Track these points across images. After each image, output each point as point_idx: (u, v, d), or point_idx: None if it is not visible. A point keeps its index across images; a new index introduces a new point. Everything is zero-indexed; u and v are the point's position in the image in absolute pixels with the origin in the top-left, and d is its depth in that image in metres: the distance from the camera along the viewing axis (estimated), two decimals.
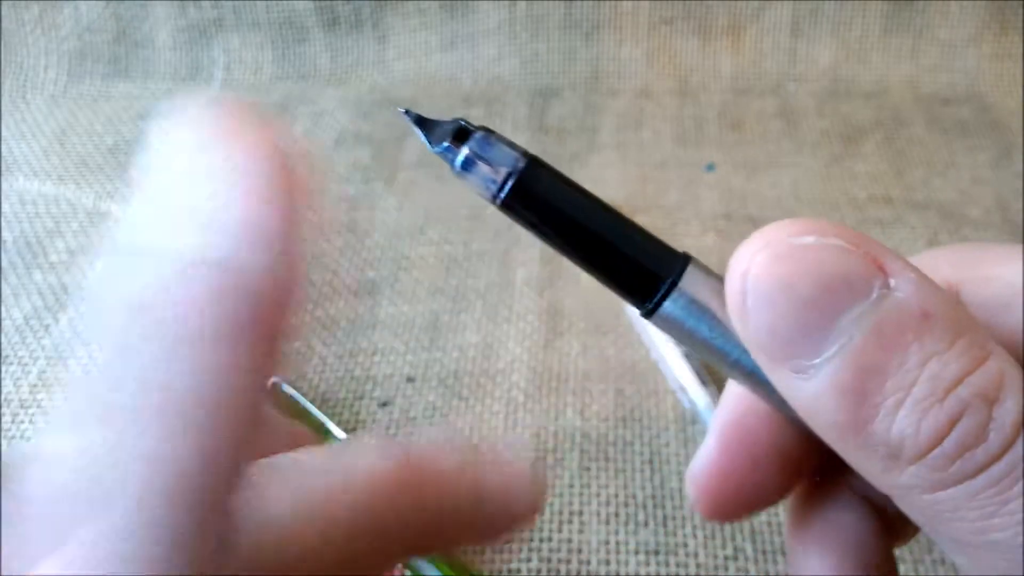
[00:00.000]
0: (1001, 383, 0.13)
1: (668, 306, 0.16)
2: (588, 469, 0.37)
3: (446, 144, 0.16)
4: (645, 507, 0.35)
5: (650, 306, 0.16)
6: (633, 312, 0.42)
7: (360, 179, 0.54)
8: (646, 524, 0.35)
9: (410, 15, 0.64)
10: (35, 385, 0.41)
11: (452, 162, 0.16)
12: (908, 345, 0.13)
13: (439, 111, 0.65)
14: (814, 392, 0.14)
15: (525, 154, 0.16)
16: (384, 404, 0.40)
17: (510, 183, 0.16)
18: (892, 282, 0.13)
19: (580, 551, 0.34)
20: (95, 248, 0.50)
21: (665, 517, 0.35)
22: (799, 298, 0.13)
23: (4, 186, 0.54)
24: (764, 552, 0.34)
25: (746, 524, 0.35)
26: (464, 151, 0.16)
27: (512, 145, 0.16)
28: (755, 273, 0.14)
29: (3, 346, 0.43)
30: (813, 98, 0.60)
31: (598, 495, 0.36)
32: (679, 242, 0.18)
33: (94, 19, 0.64)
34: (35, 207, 0.53)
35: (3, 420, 0.39)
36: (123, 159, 0.57)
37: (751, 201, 0.52)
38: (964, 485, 0.13)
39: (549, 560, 0.34)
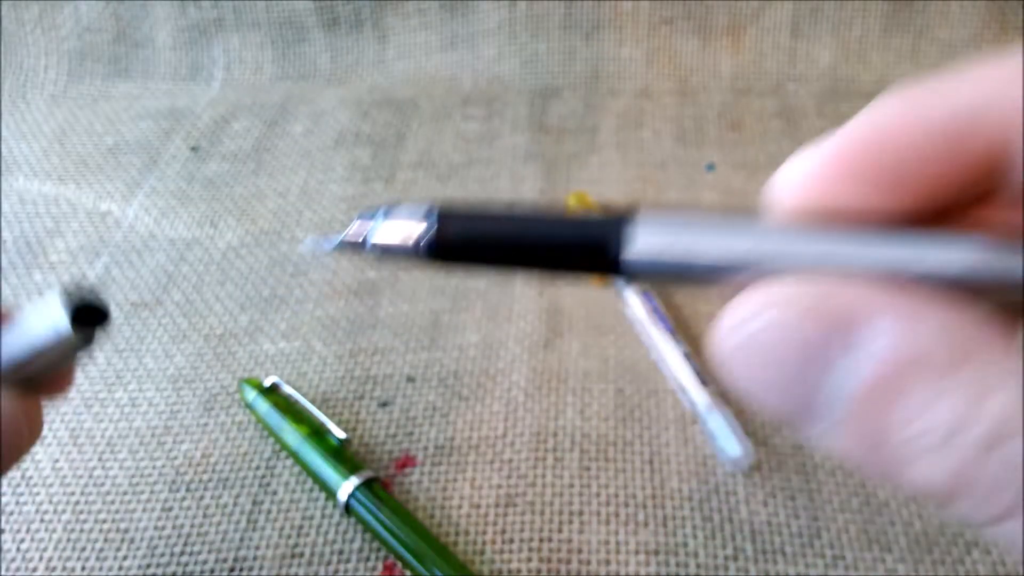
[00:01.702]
0: (1008, 418, 0.12)
1: (632, 271, 0.15)
2: (588, 469, 0.37)
3: (349, 234, 0.17)
4: (645, 507, 0.35)
5: (621, 270, 0.15)
6: (633, 312, 0.42)
7: (360, 179, 0.54)
8: (646, 524, 0.35)
9: (410, 15, 0.64)
10: None
11: (365, 242, 0.16)
12: (901, 395, 0.13)
13: (439, 111, 0.65)
14: (840, 452, 0.14)
15: (431, 207, 0.16)
16: (384, 404, 0.40)
17: (431, 232, 0.16)
18: (870, 331, 0.13)
19: (580, 551, 0.34)
20: (95, 248, 0.50)
21: (665, 517, 0.35)
22: (774, 381, 0.14)
23: (4, 186, 0.54)
24: (764, 552, 0.34)
25: (746, 524, 0.35)
26: (374, 223, 0.16)
27: (414, 203, 0.16)
28: (729, 364, 0.14)
29: None
30: (813, 98, 0.60)
31: (598, 495, 0.36)
32: None
33: (94, 19, 0.64)
34: (35, 207, 0.53)
35: None
36: (123, 159, 0.57)
37: (751, 201, 0.52)
38: (1005, 524, 0.12)
39: (549, 560, 0.34)
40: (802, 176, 0.16)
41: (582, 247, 0.16)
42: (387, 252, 0.16)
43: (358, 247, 0.17)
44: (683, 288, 0.16)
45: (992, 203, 0.16)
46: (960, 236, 0.14)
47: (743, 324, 0.14)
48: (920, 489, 0.13)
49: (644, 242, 0.15)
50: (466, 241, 0.16)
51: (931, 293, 0.13)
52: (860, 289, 0.13)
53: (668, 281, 0.16)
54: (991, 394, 0.12)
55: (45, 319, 0.19)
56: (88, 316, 0.19)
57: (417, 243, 0.16)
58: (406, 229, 0.16)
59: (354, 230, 0.17)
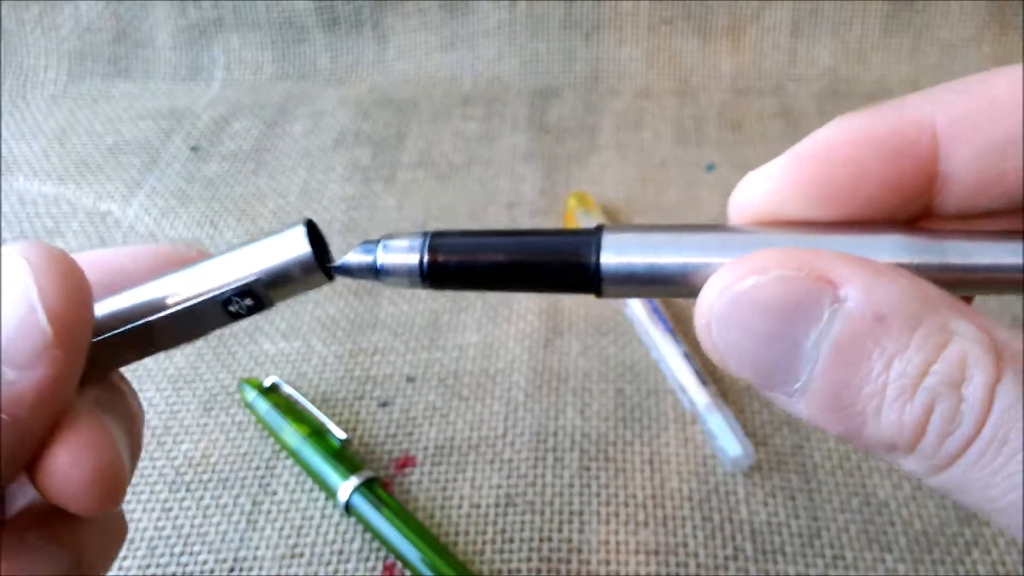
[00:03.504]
0: (964, 363, 0.13)
1: (609, 278, 0.17)
2: (588, 469, 0.37)
3: (351, 260, 0.18)
4: (645, 507, 0.35)
5: (597, 286, 0.17)
6: (633, 312, 0.42)
7: (360, 179, 0.54)
8: (646, 524, 0.35)
9: (410, 15, 0.64)
10: None
11: (373, 266, 0.18)
12: (870, 353, 0.14)
13: (439, 111, 0.65)
14: (806, 413, 0.15)
15: (424, 233, 0.18)
16: (384, 404, 0.40)
17: (426, 257, 0.17)
18: (842, 292, 0.14)
19: (580, 551, 0.34)
20: (95, 248, 0.50)
21: (665, 517, 0.35)
22: (759, 338, 0.15)
23: (4, 186, 0.54)
24: (764, 552, 0.34)
25: (746, 524, 0.35)
26: (376, 253, 0.18)
27: (408, 234, 0.18)
28: (716, 325, 0.15)
29: None
30: (813, 98, 0.60)
31: (598, 495, 0.36)
32: None
33: (94, 19, 0.64)
34: (35, 207, 0.53)
35: None
36: (123, 159, 0.57)
37: None
38: (954, 467, 0.13)
39: (549, 560, 0.34)
40: (757, 192, 0.17)
41: (561, 262, 0.17)
42: (386, 277, 0.18)
43: (359, 273, 0.18)
44: (658, 296, 0.18)
45: (932, 219, 0.17)
46: (885, 230, 0.16)
47: (732, 285, 0.15)
48: (880, 442, 0.14)
49: (616, 250, 0.17)
50: (457, 266, 0.17)
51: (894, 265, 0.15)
52: (834, 257, 0.14)
53: (644, 289, 0.17)
54: (949, 343, 0.13)
55: (287, 248, 0.18)
56: (321, 256, 0.18)
57: (414, 270, 0.17)
58: (403, 257, 0.18)
59: (356, 258, 0.18)
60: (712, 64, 0.63)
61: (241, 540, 0.35)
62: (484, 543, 0.34)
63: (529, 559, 0.34)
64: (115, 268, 0.20)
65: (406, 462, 0.38)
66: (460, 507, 0.36)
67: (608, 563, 0.34)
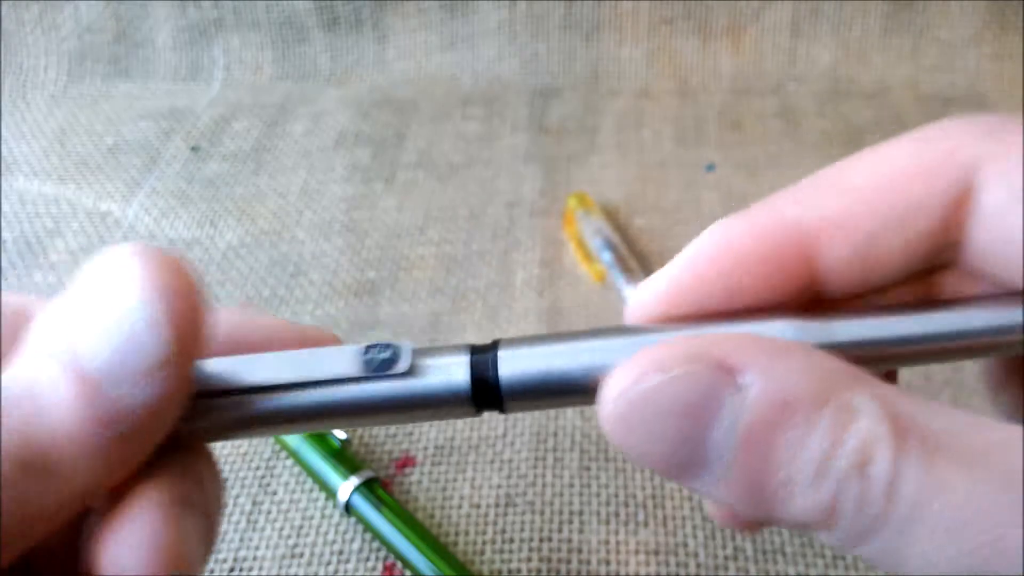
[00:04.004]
0: (867, 442, 0.13)
1: (509, 398, 0.16)
2: (588, 469, 0.37)
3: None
4: (645, 507, 0.35)
5: (500, 405, 0.17)
6: (633, 312, 0.42)
7: (360, 179, 0.54)
8: (646, 524, 0.35)
9: (410, 15, 0.64)
10: None
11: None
12: (776, 440, 0.13)
13: (439, 111, 0.65)
14: (723, 499, 0.14)
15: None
16: None
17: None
18: (741, 380, 0.14)
19: (580, 551, 0.34)
20: (95, 248, 0.50)
21: (665, 517, 0.35)
22: (663, 439, 0.14)
23: (4, 186, 0.54)
24: (764, 552, 0.34)
25: None
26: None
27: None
28: (617, 428, 0.14)
29: None
30: (813, 98, 0.60)
31: (598, 495, 0.36)
32: (679, 243, 0.18)
33: (94, 19, 0.64)
34: (35, 207, 0.53)
35: None
36: (123, 159, 0.57)
37: (751, 201, 0.51)
38: (868, 545, 0.13)
39: (549, 560, 0.34)
40: (648, 303, 0.18)
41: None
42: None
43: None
44: (559, 407, 0.18)
45: (823, 303, 0.18)
46: (773, 316, 0.16)
47: (630, 389, 0.14)
48: (796, 523, 0.14)
49: (513, 363, 0.16)
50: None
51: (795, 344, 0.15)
52: (732, 341, 0.14)
53: (544, 400, 0.17)
54: (853, 422, 0.13)
55: (442, 376, 0.16)
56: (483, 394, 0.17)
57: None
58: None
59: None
60: (712, 64, 0.63)
61: (241, 540, 0.35)
62: (484, 543, 0.34)
63: (529, 559, 0.34)
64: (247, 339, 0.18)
65: (406, 462, 0.38)
66: (460, 507, 0.36)
67: (608, 563, 0.34)
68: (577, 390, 0.16)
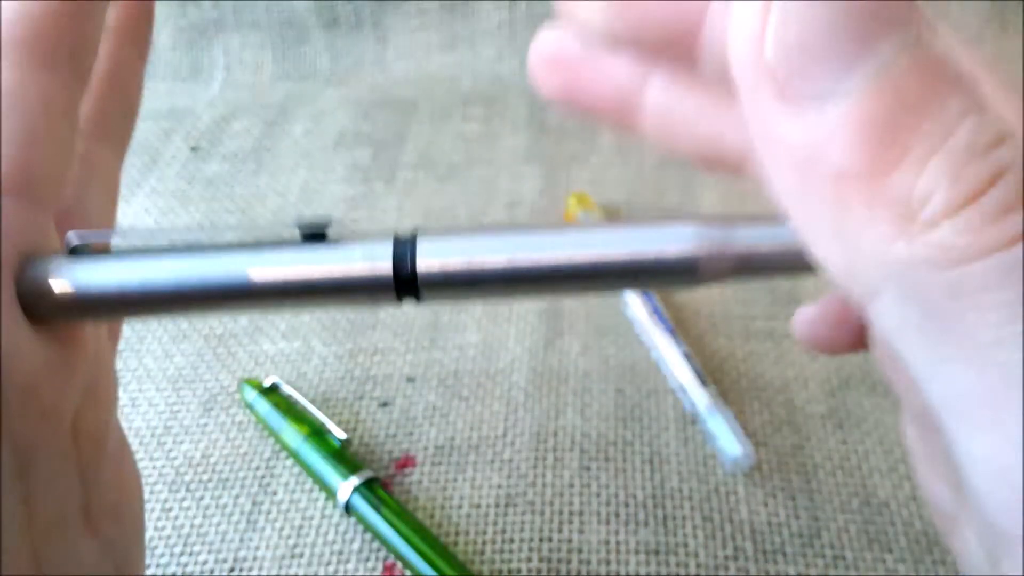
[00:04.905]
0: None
1: (425, 285, 0.17)
2: (588, 469, 0.37)
3: None
4: (645, 507, 0.35)
5: (414, 292, 0.17)
6: (633, 312, 0.42)
7: (360, 179, 0.54)
8: (646, 524, 0.35)
9: (410, 15, 0.64)
10: None
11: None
12: (953, 88, 0.11)
13: (439, 111, 0.65)
14: (827, 126, 0.11)
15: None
16: (384, 404, 0.40)
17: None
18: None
19: (580, 551, 0.34)
20: None
21: (665, 517, 0.35)
22: (842, 8, 0.11)
23: None
24: (764, 552, 0.34)
25: (746, 524, 0.35)
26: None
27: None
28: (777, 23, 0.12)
29: None
30: None
31: (598, 495, 0.36)
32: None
33: None
34: None
35: None
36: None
37: (751, 201, 0.52)
38: (999, 256, 0.10)
39: (549, 560, 0.34)
40: (550, 45, 0.18)
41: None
42: None
43: None
44: (475, 301, 0.18)
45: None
46: (679, 220, 0.17)
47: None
48: (905, 196, 0.11)
49: (431, 254, 0.17)
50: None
51: None
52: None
53: (462, 291, 0.17)
54: None
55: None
56: None
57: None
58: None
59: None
60: None
61: (241, 540, 0.35)
62: (484, 543, 0.34)
63: (529, 559, 0.34)
64: None
65: (406, 462, 0.38)
66: (460, 507, 0.36)
67: (608, 563, 0.34)
68: (495, 279, 0.17)
